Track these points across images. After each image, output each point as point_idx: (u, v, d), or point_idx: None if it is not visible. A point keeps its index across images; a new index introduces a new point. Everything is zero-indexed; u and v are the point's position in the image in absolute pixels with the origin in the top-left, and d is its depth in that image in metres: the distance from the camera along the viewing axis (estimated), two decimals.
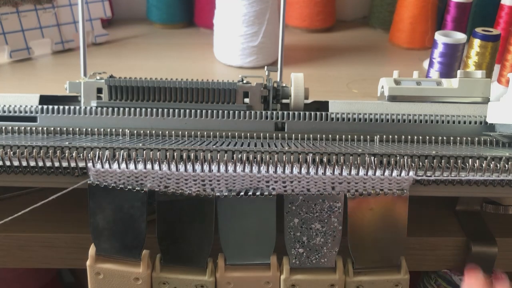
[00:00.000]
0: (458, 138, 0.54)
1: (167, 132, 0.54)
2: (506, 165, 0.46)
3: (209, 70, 0.96)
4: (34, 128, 0.55)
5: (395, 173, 0.45)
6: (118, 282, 0.47)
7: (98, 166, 0.45)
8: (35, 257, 0.52)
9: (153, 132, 0.55)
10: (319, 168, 0.45)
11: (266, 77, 0.60)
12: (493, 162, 0.46)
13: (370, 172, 0.45)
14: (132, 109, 0.56)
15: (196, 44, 1.06)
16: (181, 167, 0.45)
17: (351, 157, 0.46)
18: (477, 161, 0.46)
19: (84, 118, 0.56)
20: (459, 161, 0.47)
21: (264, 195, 0.46)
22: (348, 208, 0.46)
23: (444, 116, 0.57)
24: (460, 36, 0.74)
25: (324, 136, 0.55)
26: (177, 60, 0.97)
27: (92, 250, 0.47)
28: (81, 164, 0.45)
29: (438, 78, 0.61)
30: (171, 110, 0.56)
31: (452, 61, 0.75)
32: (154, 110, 0.56)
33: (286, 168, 0.45)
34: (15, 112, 0.57)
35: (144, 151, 0.46)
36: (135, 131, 0.54)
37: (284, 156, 0.46)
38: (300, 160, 0.47)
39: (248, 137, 0.55)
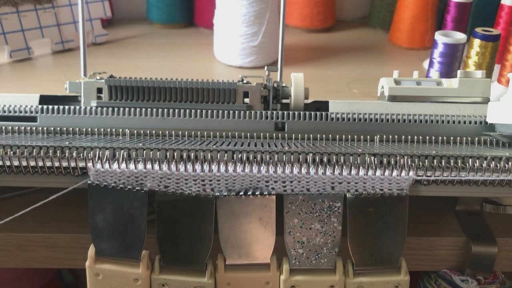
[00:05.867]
0: (458, 138, 0.54)
1: (167, 132, 0.54)
2: (506, 165, 0.46)
3: (209, 70, 0.96)
4: (34, 128, 0.55)
5: (395, 173, 0.45)
6: (117, 283, 0.47)
7: (98, 166, 0.45)
8: (35, 257, 0.52)
9: (153, 132, 0.55)
10: (319, 168, 0.45)
11: (266, 77, 0.60)
12: (493, 162, 0.46)
13: (370, 172, 0.45)
14: (132, 109, 0.56)
15: (196, 44, 1.06)
16: (181, 167, 0.45)
17: (351, 157, 0.46)
18: (477, 161, 0.46)
19: (84, 118, 0.56)
20: (459, 161, 0.47)
21: (263, 195, 0.46)
22: (348, 208, 0.46)
23: (444, 116, 0.57)
24: (460, 36, 0.74)
25: (324, 136, 0.55)
26: (177, 60, 0.97)
27: (91, 250, 0.47)
28: (81, 164, 0.45)
29: (438, 78, 0.61)
30: (171, 110, 0.56)
31: (452, 61, 0.74)
32: (154, 110, 0.56)
33: (286, 168, 0.45)
34: (15, 112, 0.57)
35: (144, 151, 0.46)
36: (135, 131, 0.54)
37: (284, 156, 0.46)
38: (300, 160, 0.47)
39: (248, 137, 0.55)
